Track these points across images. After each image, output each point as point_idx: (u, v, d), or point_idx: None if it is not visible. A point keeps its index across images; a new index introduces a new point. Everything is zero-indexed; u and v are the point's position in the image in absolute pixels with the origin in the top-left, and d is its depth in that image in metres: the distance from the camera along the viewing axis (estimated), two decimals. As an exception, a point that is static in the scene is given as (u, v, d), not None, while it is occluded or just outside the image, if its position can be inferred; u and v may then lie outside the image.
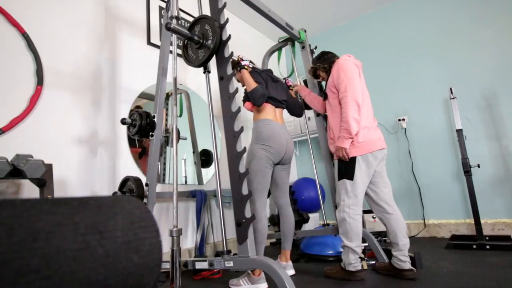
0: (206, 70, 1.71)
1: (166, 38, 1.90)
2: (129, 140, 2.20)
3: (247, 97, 1.88)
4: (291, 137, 1.95)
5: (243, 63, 1.86)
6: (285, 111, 2.06)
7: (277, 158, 1.81)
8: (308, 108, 2.31)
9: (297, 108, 2.12)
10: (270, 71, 2.06)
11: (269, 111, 1.88)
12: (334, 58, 1.92)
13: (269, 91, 1.86)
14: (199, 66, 1.66)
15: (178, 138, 1.65)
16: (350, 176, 1.68)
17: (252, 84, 1.77)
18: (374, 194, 1.75)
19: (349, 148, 1.69)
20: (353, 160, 1.69)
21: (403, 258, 1.63)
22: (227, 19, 1.61)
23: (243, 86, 1.90)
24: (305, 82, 2.36)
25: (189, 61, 1.70)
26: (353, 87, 1.69)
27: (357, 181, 1.68)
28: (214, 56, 1.61)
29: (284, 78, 2.22)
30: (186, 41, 1.71)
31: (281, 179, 1.93)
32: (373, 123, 1.79)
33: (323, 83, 2.24)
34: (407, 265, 1.62)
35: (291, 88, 2.20)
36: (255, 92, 1.74)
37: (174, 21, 1.54)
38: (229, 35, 1.60)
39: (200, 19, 1.64)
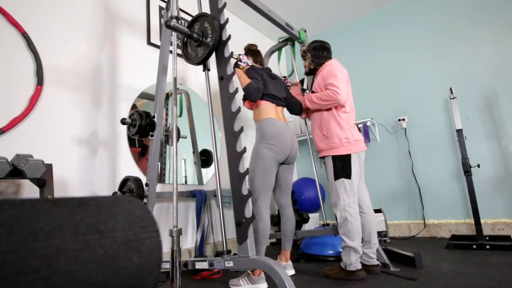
0: (206, 68, 1.71)
1: (166, 38, 1.90)
2: (129, 140, 2.20)
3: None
4: (296, 135, 1.93)
5: (240, 63, 1.84)
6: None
7: (282, 157, 1.79)
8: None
9: (297, 106, 2.07)
10: (268, 69, 2.04)
11: (271, 109, 1.85)
12: (326, 60, 1.97)
13: (268, 88, 1.84)
14: (198, 63, 1.66)
15: (178, 137, 1.64)
16: (348, 175, 1.72)
17: (246, 80, 1.75)
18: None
19: (343, 145, 1.76)
20: (348, 157, 1.73)
21: (372, 256, 1.77)
22: (227, 19, 1.61)
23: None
24: (301, 81, 2.34)
25: (188, 58, 1.71)
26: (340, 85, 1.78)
27: (354, 179, 1.72)
28: (214, 55, 1.60)
29: (283, 77, 2.21)
30: (185, 39, 1.72)
31: (284, 180, 1.92)
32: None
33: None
34: (375, 261, 1.77)
35: (289, 87, 2.19)
36: (249, 87, 1.71)
37: (174, 20, 1.53)
38: (229, 35, 1.60)
39: (200, 17, 1.64)
